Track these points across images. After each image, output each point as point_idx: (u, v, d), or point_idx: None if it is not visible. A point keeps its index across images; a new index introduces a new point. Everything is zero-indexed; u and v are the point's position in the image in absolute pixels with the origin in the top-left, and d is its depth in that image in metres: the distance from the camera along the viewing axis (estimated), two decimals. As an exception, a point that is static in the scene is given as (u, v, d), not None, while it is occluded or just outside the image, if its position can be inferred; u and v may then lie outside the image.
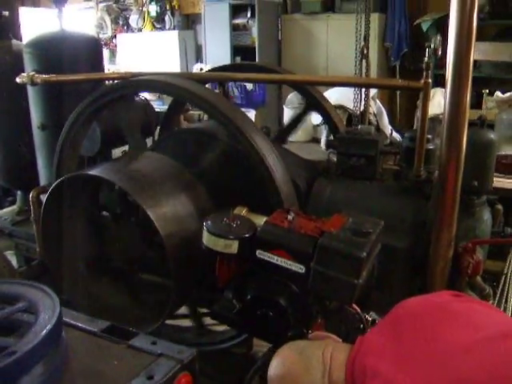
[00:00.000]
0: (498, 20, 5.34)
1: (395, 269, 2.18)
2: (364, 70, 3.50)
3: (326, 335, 1.42)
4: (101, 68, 3.16)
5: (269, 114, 6.36)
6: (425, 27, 5.46)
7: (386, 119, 4.19)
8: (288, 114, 4.98)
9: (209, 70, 3.04)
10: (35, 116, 3.05)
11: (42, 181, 3.17)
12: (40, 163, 3.17)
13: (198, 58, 7.67)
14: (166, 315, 2.02)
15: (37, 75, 2.66)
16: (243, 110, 3.82)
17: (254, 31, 6.82)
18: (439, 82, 3.70)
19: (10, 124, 3.36)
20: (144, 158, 2.32)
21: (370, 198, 2.31)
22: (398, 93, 5.87)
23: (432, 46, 2.04)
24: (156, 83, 2.30)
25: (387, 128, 4.21)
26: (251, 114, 4.95)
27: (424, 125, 2.15)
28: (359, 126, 2.51)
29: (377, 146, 2.39)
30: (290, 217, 1.65)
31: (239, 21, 6.96)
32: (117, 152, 3.09)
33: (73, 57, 2.95)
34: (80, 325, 1.22)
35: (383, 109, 4.18)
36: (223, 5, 6.79)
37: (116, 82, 2.54)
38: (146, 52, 7.40)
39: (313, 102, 3.00)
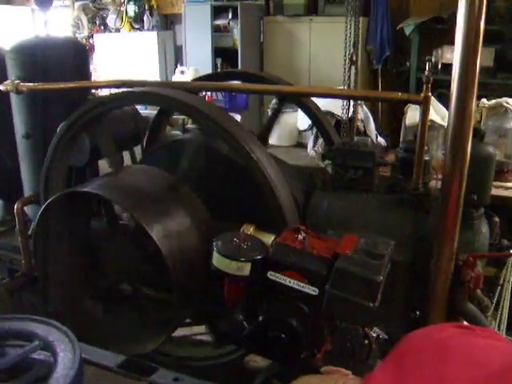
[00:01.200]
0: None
1: (395, 282, 2.18)
2: (353, 77, 3.48)
3: (337, 370, 1.42)
4: (87, 74, 3.08)
5: (251, 118, 6.33)
6: (407, 31, 5.50)
7: (372, 125, 4.21)
8: (272, 118, 4.95)
9: (200, 77, 2.98)
10: (19, 124, 2.95)
11: (26, 191, 3.07)
12: (24, 173, 3.07)
13: (178, 59, 7.58)
14: (170, 332, 1.97)
15: (22, 83, 2.57)
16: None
17: (236, 33, 6.76)
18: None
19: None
20: (138, 172, 2.26)
21: (369, 211, 2.31)
22: (380, 96, 5.90)
23: (433, 59, 2.03)
24: (153, 96, 2.23)
25: (373, 133, 4.23)
26: (236, 118, 4.90)
27: (423, 138, 2.15)
28: (355, 138, 2.50)
29: (374, 157, 2.38)
30: (300, 236, 1.63)
31: (220, 22, 6.89)
32: (104, 162, 3.02)
33: (59, 63, 2.87)
34: (95, 360, 1.17)
35: (370, 114, 4.19)
36: (204, 6, 6.72)
37: (110, 93, 2.46)
38: (124, 53, 7.28)
39: (306, 110, 2.99)
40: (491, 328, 1.36)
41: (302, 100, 2.91)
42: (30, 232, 3.13)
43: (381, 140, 4.54)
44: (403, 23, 5.53)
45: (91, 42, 7.94)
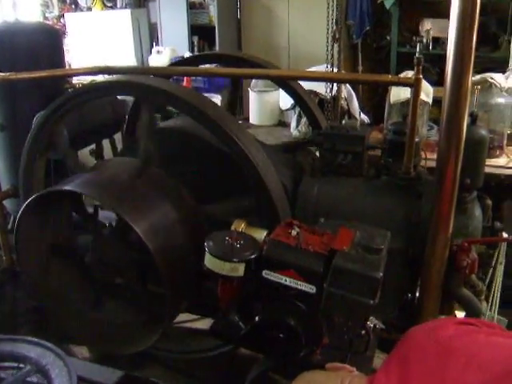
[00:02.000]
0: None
1: (388, 270, 2.14)
2: (336, 55, 3.41)
3: (342, 366, 1.38)
4: (62, 61, 2.94)
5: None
6: (388, 5, 5.40)
7: (355, 103, 4.14)
8: (253, 98, 4.85)
9: (182, 60, 2.86)
10: (-7, 116, 2.82)
11: (3, 183, 2.96)
12: (0, 166, 2.95)
13: (153, 37, 7.35)
14: (163, 329, 1.92)
15: (-7, 73, 2.45)
16: (208, 95, 3.68)
17: (212, 9, 6.57)
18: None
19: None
20: (118, 166, 2.17)
21: (360, 196, 2.26)
22: (360, 72, 5.82)
23: (424, 40, 1.96)
24: (134, 85, 2.11)
25: (357, 111, 4.16)
26: (217, 99, 4.78)
27: (414, 121, 2.10)
28: (343, 121, 2.43)
29: (363, 141, 2.32)
30: (294, 232, 1.57)
31: (195, -2, 6.69)
32: (84, 152, 2.92)
33: (30, 50, 2.73)
34: (91, 378, 1.11)
35: (353, 92, 4.12)
36: (179, -18, 6.50)
37: (90, 82, 2.34)
38: (97, 32, 7.03)
39: (288, 90, 2.91)
40: (495, 324, 1.34)
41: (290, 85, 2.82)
42: (9, 226, 3.04)
43: (364, 117, 4.47)
44: (383, -3, 5.44)
45: (62, 21, 7.66)
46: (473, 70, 1.80)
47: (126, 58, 6.93)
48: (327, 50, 3.49)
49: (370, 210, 2.20)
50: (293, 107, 4.22)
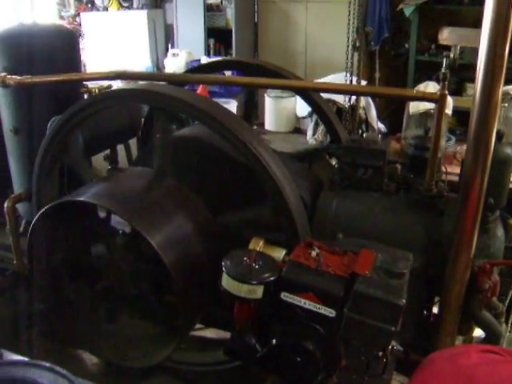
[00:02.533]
0: (480, 6, 5.25)
1: (407, 289, 2.09)
2: (356, 64, 3.36)
3: None
4: (78, 65, 2.92)
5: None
6: (407, 12, 5.34)
7: (374, 112, 4.09)
8: (269, 103, 4.82)
9: (201, 65, 2.82)
10: (6, 119, 2.80)
11: (16, 186, 2.93)
12: (13, 168, 2.93)
13: (168, 39, 7.34)
14: (179, 341, 1.88)
15: (9, 76, 2.43)
16: (224, 100, 3.65)
17: (228, 12, 6.54)
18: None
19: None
20: (133, 176, 2.13)
21: (380, 212, 2.20)
22: (377, 79, 5.76)
23: (451, 55, 1.90)
24: (154, 95, 2.06)
25: (375, 120, 4.11)
26: (233, 105, 4.75)
27: (438, 138, 2.04)
28: (364, 134, 2.37)
29: (384, 156, 2.27)
30: (314, 253, 1.52)
31: (213, 1, 6.65)
32: (97, 158, 2.89)
33: (47, 53, 2.70)
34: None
35: (371, 101, 4.06)
36: (196, -17, 6.47)
37: (106, 90, 2.31)
38: (113, 33, 7.03)
39: (306, 98, 2.86)
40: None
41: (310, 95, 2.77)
42: (21, 229, 3.01)
43: (381, 126, 4.43)
44: (403, 4, 5.36)
45: (78, 20, 7.66)
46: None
47: (142, 58, 6.92)
48: (347, 58, 3.45)
49: (390, 227, 2.14)
50: (310, 115, 4.18)
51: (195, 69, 2.88)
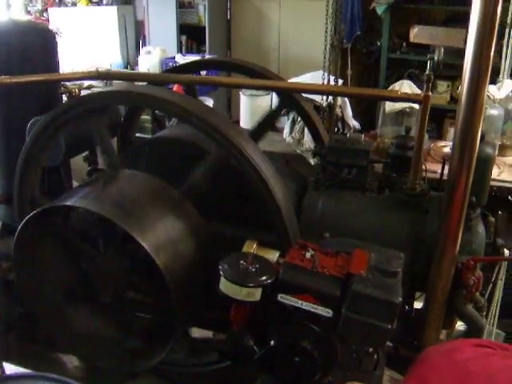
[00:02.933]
0: (448, 6, 5.38)
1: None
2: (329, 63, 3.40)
3: None
4: (56, 64, 2.86)
5: (219, 100, 6.14)
6: (380, 11, 5.41)
7: (349, 111, 4.14)
8: (245, 102, 4.82)
9: (180, 66, 2.80)
10: (-16, 120, 2.72)
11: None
12: (-9, 171, 2.86)
13: (139, 36, 7.24)
14: (172, 344, 1.87)
15: (-13, 77, 2.36)
16: (200, 98, 3.63)
17: (201, 9, 6.49)
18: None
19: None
20: (123, 179, 2.10)
21: (366, 212, 2.24)
22: (349, 77, 5.81)
23: (436, 58, 1.94)
24: (144, 97, 2.04)
25: (350, 118, 4.16)
26: (209, 102, 4.73)
27: (421, 138, 2.08)
28: (348, 134, 2.41)
29: (368, 155, 2.31)
30: (308, 254, 1.54)
31: (184, -3, 6.60)
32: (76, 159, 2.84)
33: (24, 52, 2.64)
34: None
35: (347, 100, 4.11)
36: (168, -21, 6.39)
37: (91, 92, 2.27)
38: (82, 29, 6.89)
39: (288, 101, 2.88)
40: (508, 345, 1.34)
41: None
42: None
43: (355, 123, 4.48)
44: (375, 2, 5.44)
45: (45, 16, 7.48)
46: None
47: (111, 55, 6.81)
48: (324, 57, 3.49)
49: (376, 226, 2.19)
50: (286, 113, 4.19)
51: (175, 69, 2.86)
